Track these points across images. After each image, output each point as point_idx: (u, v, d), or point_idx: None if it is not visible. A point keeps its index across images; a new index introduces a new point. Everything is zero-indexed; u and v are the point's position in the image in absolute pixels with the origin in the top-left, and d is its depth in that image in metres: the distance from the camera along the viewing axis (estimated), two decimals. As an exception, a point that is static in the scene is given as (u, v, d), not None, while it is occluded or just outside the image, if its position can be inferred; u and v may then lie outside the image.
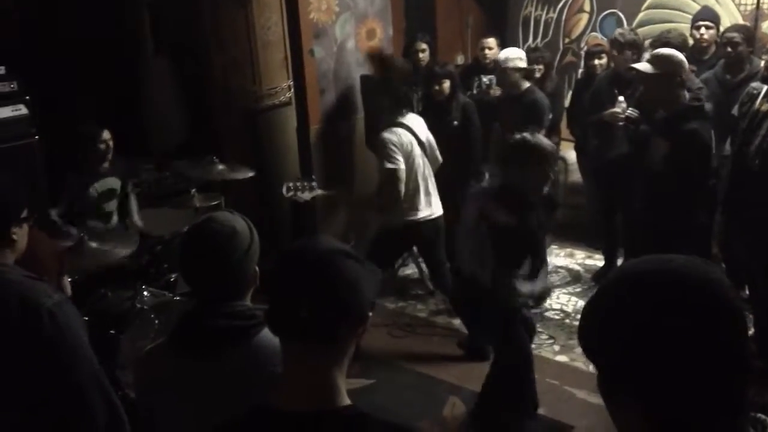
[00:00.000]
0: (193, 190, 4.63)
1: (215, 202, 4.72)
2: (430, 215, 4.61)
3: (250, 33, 5.32)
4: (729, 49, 5.00)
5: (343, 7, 5.42)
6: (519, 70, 5.08)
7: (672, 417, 1.04)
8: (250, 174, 4.61)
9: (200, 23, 5.20)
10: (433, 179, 4.65)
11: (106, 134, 4.62)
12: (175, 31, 5.48)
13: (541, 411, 4.14)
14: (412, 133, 4.49)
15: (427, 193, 4.59)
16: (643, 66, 4.13)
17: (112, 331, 3.75)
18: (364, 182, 5.60)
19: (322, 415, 1.46)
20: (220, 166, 4.58)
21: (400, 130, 4.44)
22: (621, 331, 1.07)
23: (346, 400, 1.51)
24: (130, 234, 4.24)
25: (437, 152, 4.72)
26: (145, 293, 4.04)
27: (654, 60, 4.12)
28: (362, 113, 5.56)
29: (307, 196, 4.40)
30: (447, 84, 5.35)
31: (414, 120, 4.60)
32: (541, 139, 3.70)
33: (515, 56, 5.11)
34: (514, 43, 6.82)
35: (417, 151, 4.50)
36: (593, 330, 1.12)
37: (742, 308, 1.08)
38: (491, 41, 6.31)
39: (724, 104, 4.66)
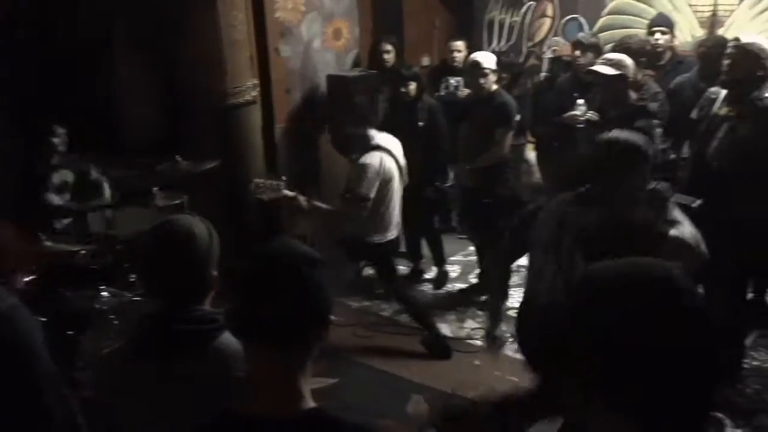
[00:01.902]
0: (156, 189, 4.60)
1: (178, 201, 4.69)
2: (392, 237, 4.68)
3: (216, 31, 5.29)
4: (703, 61, 5.12)
5: (310, 6, 5.43)
6: (492, 72, 5.13)
7: (643, 420, 1.07)
8: (213, 167, 4.59)
9: (168, 21, 5.17)
10: (399, 201, 4.69)
11: (59, 130, 4.72)
12: (144, 29, 5.44)
13: (502, 408, 4.20)
14: (393, 157, 4.51)
15: (393, 217, 4.64)
16: (602, 68, 4.27)
17: (70, 332, 3.71)
18: (330, 181, 5.62)
19: (287, 419, 1.46)
20: (184, 164, 4.57)
21: (382, 155, 4.44)
22: (587, 333, 1.09)
23: (311, 403, 1.51)
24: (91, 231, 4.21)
25: (406, 173, 4.75)
26: (105, 294, 3.99)
27: (608, 63, 4.30)
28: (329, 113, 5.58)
29: (273, 195, 4.40)
30: (413, 86, 5.39)
31: (393, 143, 4.61)
32: (634, 134, 3.34)
33: (488, 59, 5.17)
34: (479, 46, 6.89)
35: (395, 176, 4.52)
36: (563, 333, 1.14)
37: (705, 307, 1.10)
38: (460, 44, 6.37)
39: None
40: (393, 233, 4.69)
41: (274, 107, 5.32)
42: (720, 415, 1.13)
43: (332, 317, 1.55)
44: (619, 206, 3.04)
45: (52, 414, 2.10)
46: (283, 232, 5.23)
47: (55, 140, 4.77)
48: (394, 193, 4.57)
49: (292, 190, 4.44)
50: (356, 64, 5.92)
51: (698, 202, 3.55)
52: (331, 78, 5.47)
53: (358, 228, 4.50)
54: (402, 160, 4.65)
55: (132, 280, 4.34)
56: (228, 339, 1.84)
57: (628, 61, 4.38)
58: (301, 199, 4.43)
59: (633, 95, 4.38)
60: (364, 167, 4.38)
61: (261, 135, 5.33)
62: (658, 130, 4.81)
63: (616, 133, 3.17)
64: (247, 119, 5.39)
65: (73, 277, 4.02)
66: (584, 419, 1.14)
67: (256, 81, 5.34)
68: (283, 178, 4.43)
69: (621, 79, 4.32)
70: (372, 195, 4.39)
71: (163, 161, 4.61)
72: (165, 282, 1.95)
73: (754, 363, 4.63)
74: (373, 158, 4.40)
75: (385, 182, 4.45)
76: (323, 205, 4.50)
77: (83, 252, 3.73)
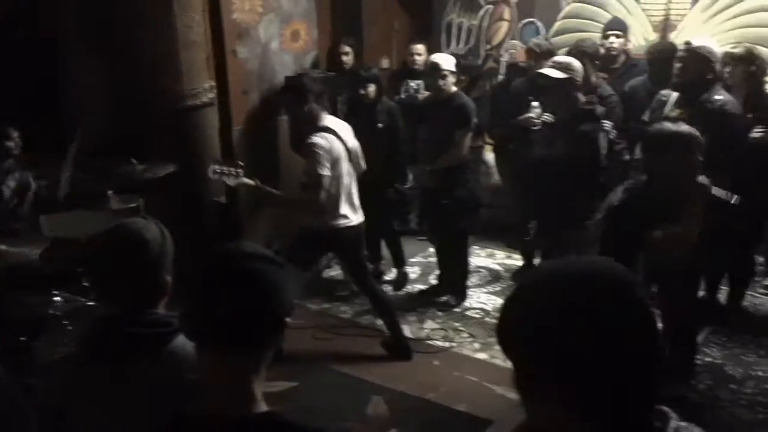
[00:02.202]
0: (110, 192, 4.53)
1: (133, 205, 4.63)
2: (351, 222, 4.57)
3: (172, 32, 5.24)
4: (653, 66, 5.22)
5: (267, 8, 5.40)
6: (451, 74, 5.16)
7: (587, 411, 1.09)
8: (171, 169, 4.54)
9: (122, 21, 5.09)
10: (356, 186, 4.63)
11: (13, 133, 4.66)
12: (97, 29, 5.36)
13: (461, 407, 4.23)
14: (340, 139, 4.49)
15: (350, 201, 4.56)
16: (550, 71, 4.34)
17: (23, 338, 3.64)
18: (288, 184, 5.59)
19: (238, 422, 1.46)
20: (139, 167, 4.51)
21: (329, 136, 4.40)
22: (537, 328, 1.11)
23: (263, 407, 1.51)
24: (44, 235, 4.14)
25: (362, 160, 4.70)
26: (59, 299, 3.93)
27: (557, 66, 4.37)
28: (286, 115, 5.55)
29: (232, 181, 4.36)
30: (372, 88, 5.41)
31: (341, 126, 4.58)
32: (680, 125, 3.64)
33: (447, 61, 5.20)
34: (438, 49, 6.93)
35: (344, 158, 4.48)
36: (510, 328, 1.17)
37: (650, 305, 1.14)
38: (420, 47, 6.41)
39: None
40: (353, 218, 4.59)
41: (232, 109, 5.28)
42: (665, 408, 1.15)
43: (288, 319, 1.55)
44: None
45: (5, 421, 2.07)
46: (243, 234, 5.20)
47: (9, 143, 4.70)
48: (343, 173, 4.48)
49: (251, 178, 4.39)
50: (315, 65, 5.91)
51: (736, 197, 3.65)
52: (289, 80, 5.45)
53: (316, 213, 4.44)
54: (352, 143, 4.58)
55: (86, 284, 4.27)
56: (182, 342, 1.82)
57: (576, 64, 4.45)
58: (259, 185, 4.39)
59: (581, 98, 4.44)
60: (313, 146, 4.31)
61: (218, 137, 5.28)
62: (613, 132, 4.91)
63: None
64: (205, 121, 5.34)
65: (26, 282, 3.96)
66: (533, 417, 1.16)
67: (213, 83, 5.30)
68: (241, 164, 4.37)
69: (569, 82, 4.38)
70: (327, 172, 4.30)
71: (118, 163, 4.54)
72: (117, 286, 1.94)
73: (707, 359, 4.73)
74: (320, 137, 4.34)
75: (334, 162, 4.39)
76: (281, 194, 4.46)
77: (35, 256, 3.66)
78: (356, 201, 4.62)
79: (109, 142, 5.16)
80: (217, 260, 1.53)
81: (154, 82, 5.19)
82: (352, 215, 4.58)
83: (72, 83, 5.36)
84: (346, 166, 4.50)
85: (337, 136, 4.45)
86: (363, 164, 4.71)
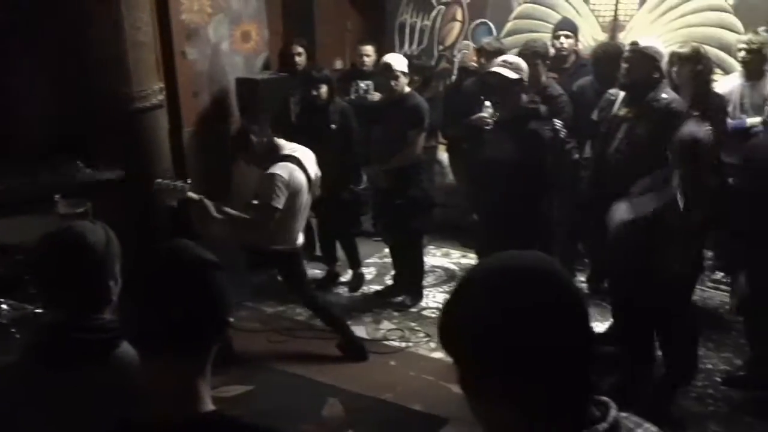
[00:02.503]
0: (58, 196, 4.44)
1: (81, 209, 4.53)
2: (295, 247, 4.65)
3: (119, 33, 5.15)
4: (597, 66, 5.28)
5: (216, 8, 5.34)
6: (403, 74, 5.17)
7: (528, 404, 1.10)
8: (118, 173, 4.46)
9: (68, 22, 4.99)
10: (308, 211, 4.69)
11: None
12: (42, 29, 5.24)
13: (417, 406, 4.24)
14: (302, 168, 4.47)
15: (299, 227, 4.62)
16: (503, 70, 4.38)
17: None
18: (239, 186, 5.55)
19: (185, 423, 1.44)
20: (87, 170, 4.43)
21: (292, 166, 4.39)
22: (473, 325, 1.12)
23: (210, 406, 1.50)
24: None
25: (318, 185, 4.72)
26: (5, 306, 3.85)
27: (508, 66, 4.42)
28: (237, 116, 5.51)
29: (177, 196, 4.31)
30: (324, 89, 5.39)
31: (305, 153, 4.56)
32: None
33: (400, 61, 5.20)
34: (391, 50, 6.94)
35: (305, 189, 4.48)
36: (451, 325, 1.17)
37: (583, 298, 1.16)
38: (369, 48, 6.42)
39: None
40: (297, 243, 4.66)
41: (182, 111, 5.21)
42: (605, 398, 1.16)
43: (231, 319, 1.54)
44: None
45: None
46: (196, 238, 5.13)
47: None
48: (301, 205, 4.53)
49: (198, 193, 4.35)
50: (266, 66, 5.87)
51: None
52: (240, 81, 5.40)
53: (263, 237, 4.45)
54: (314, 171, 4.60)
55: (33, 291, 4.18)
56: (129, 347, 1.80)
57: (524, 65, 4.51)
58: (207, 203, 4.34)
59: (524, 98, 4.50)
60: (273, 178, 4.31)
61: (168, 139, 5.21)
62: (563, 132, 4.97)
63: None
64: (154, 123, 5.26)
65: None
66: (476, 412, 1.16)
67: (162, 84, 5.23)
68: (189, 180, 4.32)
69: (518, 82, 4.42)
70: (280, 206, 4.33)
71: (65, 167, 4.45)
72: (60, 291, 1.91)
73: (658, 353, 4.76)
74: (282, 169, 4.35)
75: (293, 194, 4.39)
76: (231, 211, 4.43)
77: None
78: (303, 226, 4.68)
79: (55, 145, 5.07)
80: (158, 264, 1.51)
81: (102, 83, 5.10)
82: (297, 240, 4.65)
83: (14, 84, 5.23)
84: (305, 198, 4.51)
85: (301, 166, 4.43)
86: (318, 190, 4.73)
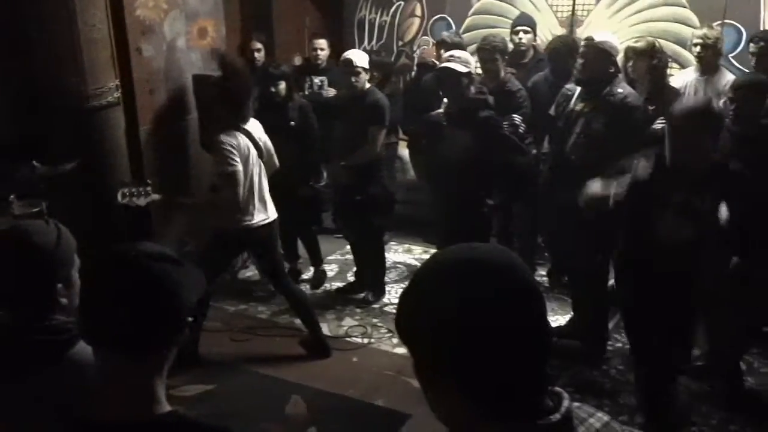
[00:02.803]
0: (12, 196, 4.35)
1: (36, 209, 4.45)
2: (264, 220, 4.52)
3: (73, 30, 5.06)
4: (553, 60, 5.34)
5: (172, 4, 5.26)
6: (364, 70, 5.16)
7: (482, 395, 1.11)
8: (73, 166, 4.39)
9: (21, 20, 4.89)
10: (266, 184, 4.57)
11: None
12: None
13: (380, 402, 4.25)
14: (250, 137, 4.41)
15: (261, 199, 4.51)
16: (454, 65, 4.44)
17: None
18: (199, 183, 5.49)
19: (141, 425, 1.43)
20: (43, 170, 4.34)
21: (237, 133, 4.33)
22: (429, 317, 1.12)
23: (166, 407, 1.49)
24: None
25: (274, 157, 4.65)
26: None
27: (457, 60, 4.51)
28: (195, 113, 5.44)
29: (142, 201, 4.25)
30: (283, 85, 5.36)
31: (251, 123, 4.51)
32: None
33: (360, 57, 5.19)
34: (351, 46, 6.93)
35: (254, 155, 4.41)
36: (406, 318, 1.17)
37: (539, 290, 1.16)
38: (322, 42, 6.40)
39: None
40: (266, 216, 4.54)
41: (138, 108, 5.13)
42: (558, 389, 1.17)
43: (190, 318, 1.52)
44: None
45: None
46: (154, 236, 5.07)
47: None
48: (253, 172, 4.42)
49: (159, 193, 4.30)
50: (224, 63, 5.80)
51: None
52: (196, 78, 5.34)
53: (229, 214, 4.37)
54: (262, 140, 4.52)
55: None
56: (83, 347, 1.77)
57: (471, 58, 4.65)
58: (170, 197, 4.31)
59: (473, 90, 4.61)
60: (220, 143, 4.25)
61: (125, 137, 5.13)
62: (522, 126, 5.00)
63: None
64: (111, 121, 5.18)
65: None
66: (432, 404, 1.17)
67: (117, 82, 5.14)
68: (149, 182, 4.28)
69: (467, 75, 4.52)
70: (239, 168, 4.24)
71: (19, 166, 4.35)
72: (9, 292, 1.86)
73: (617, 345, 4.87)
74: (228, 135, 4.28)
75: (243, 160, 4.32)
76: (192, 200, 4.38)
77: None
78: (267, 198, 4.57)
79: (9, 145, 4.96)
80: (113, 262, 1.49)
81: (57, 81, 5.00)
82: (264, 213, 4.53)
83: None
84: (256, 166, 4.45)
85: (246, 134, 4.38)
86: (276, 161, 4.66)
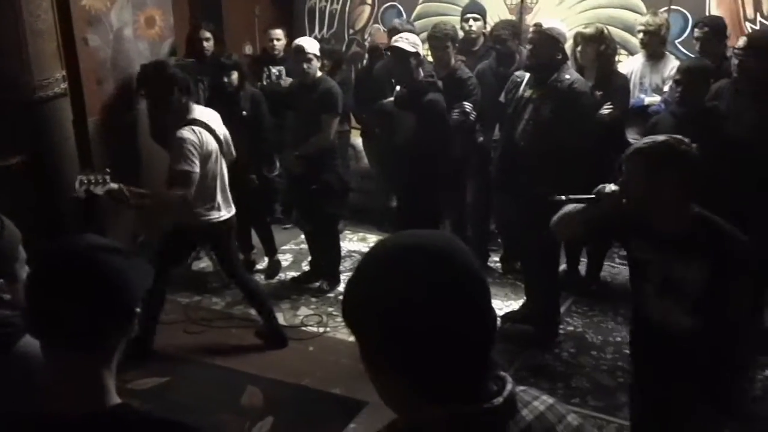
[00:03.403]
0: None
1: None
2: (224, 216, 4.49)
3: (17, 21, 4.95)
4: (498, 46, 5.37)
5: (119, -7, 5.19)
6: (315, 57, 5.13)
7: (423, 380, 1.12)
8: (16, 160, 4.31)
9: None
10: (226, 176, 4.53)
11: None
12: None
13: (336, 390, 4.26)
14: (210, 131, 4.34)
15: (223, 192, 4.47)
16: (402, 44, 4.49)
17: None
18: (150, 174, 5.42)
19: (89, 417, 1.42)
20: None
21: (199, 129, 4.25)
22: (370, 303, 1.14)
23: (116, 399, 1.48)
24: None
25: (232, 148, 4.60)
26: None
27: (406, 41, 4.58)
28: (144, 104, 5.36)
29: (99, 190, 4.18)
30: (235, 75, 5.31)
31: (210, 115, 4.44)
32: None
33: (311, 44, 5.16)
34: (301, 34, 6.88)
35: (215, 150, 4.36)
36: (350, 305, 1.19)
37: (482, 276, 1.17)
38: (279, 32, 6.36)
39: (498, 94, 4.96)
40: (226, 212, 4.50)
41: (86, 100, 5.04)
42: (502, 373, 1.19)
43: (138, 309, 1.51)
44: None
45: None
46: (104, 227, 5.00)
47: None
48: (216, 167, 4.38)
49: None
50: (172, 53, 5.72)
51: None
52: (145, 67, 5.25)
53: (186, 209, 4.30)
54: (221, 132, 4.46)
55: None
56: (29, 341, 1.75)
57: (419, 41, 4.71)
58: (126, 189, 4.24)
59: (422, 72, 4.67)
60: (182, 141, 4.15)
61: (73, 129, 5.04)
62: (473, 114, 5.05)
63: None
64: (58, 112, 5.08)
65: None
66: (378, 389, 1.18)
67: (64, 73, 5.05)
68: (108, 170, 4.20)
69: (415, 56, 4.58)
70: (196, 170, 4.17)
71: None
72: None
73: (569, 328, 4.96)
74: (189, 132, 4.19)
75: (205, 157, 4.26)
76: (146, 192, 4.32)
77: None
78: (228, 194, 4.54)
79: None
80: (57, 255, 1.48)
81: (1, 73, 4.90)
82: (225, 209, 4.50)
83: None
84: (218, 160, 4.40)
85: (208, 129, 4.33)
86: (233, 153, 4.63)
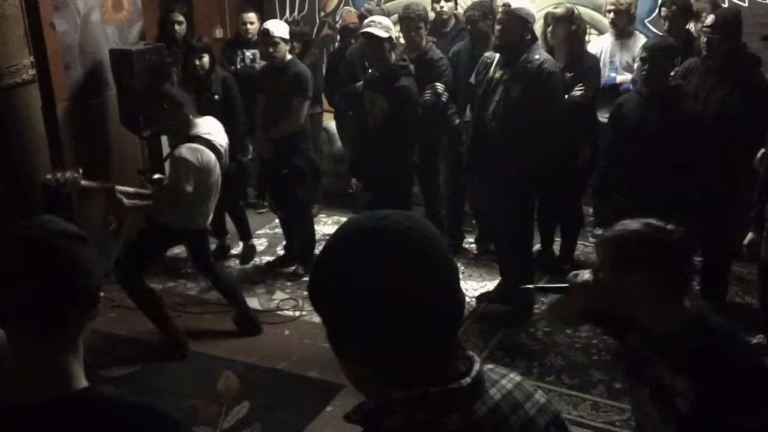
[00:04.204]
0: None
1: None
2: (204, 225, 4.56)
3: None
4: (470, 27, 5.37)
5: (86, -23, 5.11)
6: (284, 41, 5.09)
7: (389, 362, 1.12)
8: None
9: None
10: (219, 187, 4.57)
11: None
12: None
13: (312, 374, 4.27)
14: (211, 146, 4.35)
15: (210, 206, 4.52)
16: (374, 30, 4.47)
17: None
18: (120, 160, 5.38)
19: (55, 401, 1.41)
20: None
21: (200, 148, 4.27)
22: (332, 285, 1.14)
23: (84, 383, 1.46)
24: None
25: (227, 157, 4.62)
26: None
27: (377, 25, 4.57)
28: (114, 89, 5.30)
29: (72, 188, 4.19)
30: (206, 58, 5.27)
31: (212, 127, 4.46)
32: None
33: (279, 27, 5.12)
34: (272, 17, 6.83)
35: (214, 165, 4.37)
36: (315, 287, 1.19)
37: (448, 256, 1.16)
38: (252, 16, 6.30)
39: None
40: (207, 221, 4.58)
41: (54, 85, 4.98)
42: (470, 353, 1.20)
43: (102, 294, 1.50)
44: None
45: None
46: (74, 216, 4.96)
47: None
48: (213, 185, 4.42)
49: (86, 178, 4.23)
50: (142, 37, 5.66)
51: None
52: (113, 52, 5.19)
53: (173, 217, 4.35)
54: (224, 145, 4.50)
55: None
56: None
57: (391, 24, 4.70)
58: (105, 184, 4.28)
59: (394, 56, 4.67)
60: (180, 162, 4.19)
61: (41, 115, 4.98)
62: (445, 95, 5.06)
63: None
64: (26, 99, 5.03)
65: None
66: (344, 371, 1.19)
67: (32, 58, 4.98)
68: (80, 170, 4.19)
69: (388, 41, 4.57)
70: (190, 189, 4.20)
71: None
72: None
73: (544, 308, 4.99)
74: (189, 152, 4.22)
75: (204, 176, 4.29)
76: (128, 189, 4.32)
77: None
78: (214, 202, 4.56)
79: None
80: (17, 239, 1.45)
81: (-34, 59, 4.83)
82: (207, 218, 4.55)
83: None
84: (216, 177, 4.42)
85: (209, 144, 4.34)
86: (227, 159, 4.64)
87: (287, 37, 5.11)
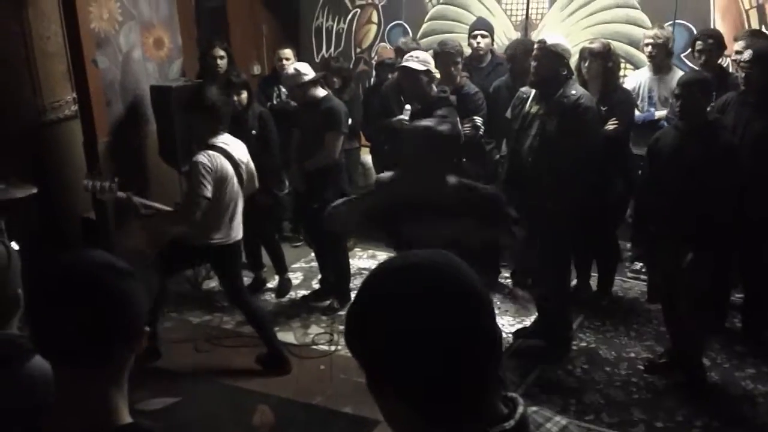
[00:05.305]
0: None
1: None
2: (229, 240, 4.53)
3: (27, 43, 5.01)
4: (511, 64, 5.41)
5: (126, 15, 5.23)
6: (307, 83, 5.16)
7: (424, 401, 1.10)
8: (32, 191, 4.33)
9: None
10: (241, 205, 4.57)
11: None
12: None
13: (347, 409, 4.24)
14: (230, 158, 4.39)
15: (233, 218, 4.51)
16: (411, 63, 4.51)
17: None
18: (159, 195, 5.44)
19: None
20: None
21: (215, 154, 4.31)
22: (366, 325, 1.13)
23: (127, 419, 1.46)
24: None
25: (255, 178, 4.66)
26: None
27: (415, 59, 4.68)
28: (154, 124, 5.40)
29: (106, 196, 4.25)
30: (244, 95, 5.35)
31: (234, 143, 4.50)
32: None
33: (300, 71, 5.18)
34: (308, 53, 6.94)
35: (231, 178, 4.40)
36: (351, 328, 1.17)
37: (484, 293, 1.14)
38: (288, 52, 6.39)
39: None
40: (229, 237, 4.53)
41: (95, 121, 5.08)
42: (513, 394, 1.17)
43: (147, 328, 1.51)
44: None
45: None
46: (113, 249, 5.02)
47: None
48: (231, 194, 4.43)
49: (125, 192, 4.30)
50: (182, 73, 5.77)
51: None
52: (154, 89, 5.30)
53: (195, 229, 4.36)
54: (244, 161, 4.53)
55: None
56: (39, 362, 1.74)
57: (430, 58, 4.80)
58: (136, 200, 4.29)
59: (434, 89, 4.75)
60: (196, 165, 4.24)
61: (83, 151, 5.08)
62: (482, 128, 5.06)
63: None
64: (68, 135, 5.14)
65: None
66: (384, 415, 1.17)
67: (74, 95, 5.10)
68: (116, 179, 4.25)
69: (426, 74, 4.66)
70: (208, 194, 4.23)
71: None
72: None
73: (582, 344, 4.93)
74: (205, 157, 4.27)
75: (220, 182, 4.32)
76: (157, 205, 4.37)
77: None
78: (238, 219, 4.57)
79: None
80: (62, 273, 1.46)
81: (10, 96, 4.95)
82: (228, 234, 4.53)
83: None
84: (233, 187, 4.44)
85: (225, 154, 4.37)
86: (256, 183, 4.68)
87: (309, 77, 5.17)
